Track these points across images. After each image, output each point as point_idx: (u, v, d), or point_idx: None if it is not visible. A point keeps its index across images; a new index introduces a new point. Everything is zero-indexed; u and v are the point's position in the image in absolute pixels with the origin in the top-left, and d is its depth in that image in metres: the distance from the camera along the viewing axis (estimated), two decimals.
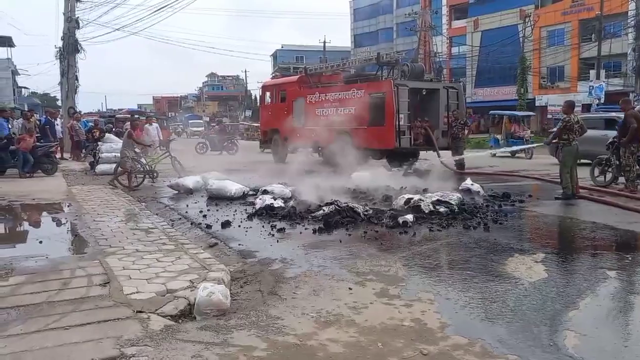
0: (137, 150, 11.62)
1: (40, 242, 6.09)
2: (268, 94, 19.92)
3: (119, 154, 13.83)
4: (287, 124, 17.68)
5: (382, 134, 13.98)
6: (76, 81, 22.42)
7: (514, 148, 18.80)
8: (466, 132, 15.09)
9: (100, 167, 13.80)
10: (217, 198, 9.28)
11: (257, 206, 7.94)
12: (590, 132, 10.30)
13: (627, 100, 10.33)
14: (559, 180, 9.71)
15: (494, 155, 18.58)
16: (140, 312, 3.69)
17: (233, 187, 9.52)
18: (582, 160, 11.48)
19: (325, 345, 3.26)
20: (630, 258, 5.40)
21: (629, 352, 3.27)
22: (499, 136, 22.09)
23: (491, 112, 26.30)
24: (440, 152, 14.38)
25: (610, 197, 9.30)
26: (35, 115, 20.44)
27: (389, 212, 7.41)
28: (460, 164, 14.41)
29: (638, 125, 9.34)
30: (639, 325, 3.74)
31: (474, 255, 5.46)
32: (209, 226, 6.98)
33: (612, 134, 11.52)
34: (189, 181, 10.43)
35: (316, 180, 9.69)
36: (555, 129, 10.80)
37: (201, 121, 54.42)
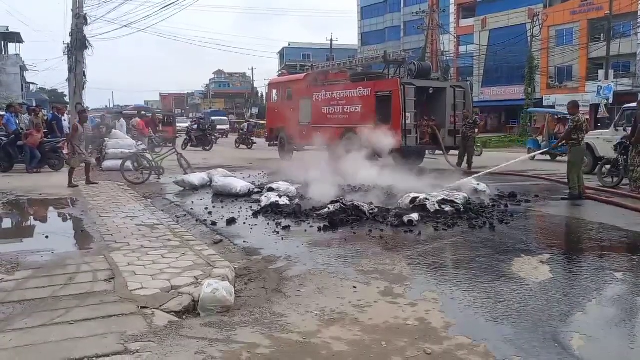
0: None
1: (47, 237, 6.12)
2: (275, 91, 19.94)
3: (125, 150, 13.95)
4: (294, 121, 17.69)
5: (388, 132, 13.95)
6: (84, 77, 22.45)
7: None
8: (476, 131, 14.95)
9: (107, 163, 13.86)
10: (222, 195, 9.29)
11: (263, 203, 7.94)
12: None
13: None
14: (565, 180, 9.66)
15: (533, 158, 15.79)
16: (145, 308, 3.70)
17: (239, 184, 9.53)
18: None
19: (329, 343, 3.25)
20: (637, 259, 5.36)
21: (635, 355, 3.24)
22: (539, 137, 19.02)
23: (530, 109, 24.37)
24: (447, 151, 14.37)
25: (618, 198, 9.23)
26: (42, 111, 20.53)
27: (394, 211, 7.39)
28: (467, 163, 14.38)
29: None
30: None
31: (479, 255, 5.43)
32: (214, 223, 6.99)
33: None
34: (195, 178, 10.46)
35: (322, 178, 9.68)
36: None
37: (226, 118, 50.85)
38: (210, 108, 78.62)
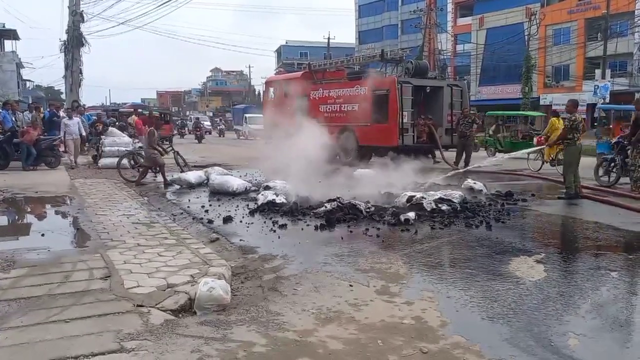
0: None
1: (43, 234, 6.10)
2: (271, 89, 19.90)
3: (122, 148, 13.90)
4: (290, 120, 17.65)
5: (385, 131, 13.96)
6: (80, 75, 22.41)
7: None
8: (474, 128, 14.91)
9: (103, 161, 13.83)
10: (219, 193, 9.28)
11: (259, 202, 7.93)
12: None
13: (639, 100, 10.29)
14: (562, 179, 9.68)
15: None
16: (141, 306, 3.70)
17: (235, 182, 9.52)
18: None
19: (325, 341, 3.25)
20: (633, 258, 5.38)
21: (629, 354, 3.26)
22: (614, 139, 13.97)
23: (599, 105, 20.47)
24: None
25: (614, 197, 9.26)
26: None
27: (391, 210, 7.39)
28: (465, 162, 14.39)
29: None
30: None
31: (475, 254, 5.44)
32: (210, 221, 6.98)
33: None
34: (191, 176, 10.44)
35: (319, 176, 9.67)
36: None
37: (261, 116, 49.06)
38: (207, 106, 78.31)
